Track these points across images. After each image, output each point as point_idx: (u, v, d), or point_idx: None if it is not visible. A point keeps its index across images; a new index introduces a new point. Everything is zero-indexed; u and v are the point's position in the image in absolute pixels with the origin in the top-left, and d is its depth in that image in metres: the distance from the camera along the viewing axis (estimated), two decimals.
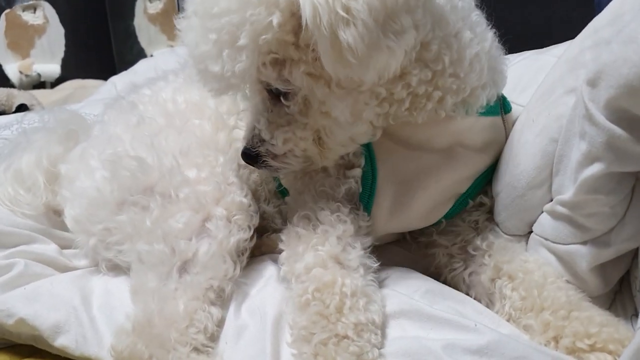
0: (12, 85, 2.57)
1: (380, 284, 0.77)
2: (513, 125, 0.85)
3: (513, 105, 0.89)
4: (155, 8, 2.93)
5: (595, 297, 0.74)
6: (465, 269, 0.83)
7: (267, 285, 0.79)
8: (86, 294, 0.82)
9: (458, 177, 0.82)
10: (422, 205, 0.82)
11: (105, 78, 2.15)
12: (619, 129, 0.62)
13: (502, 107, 0.85)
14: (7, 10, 2.70)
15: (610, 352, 0.65)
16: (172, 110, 0.95)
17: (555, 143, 0.74)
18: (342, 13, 0.61)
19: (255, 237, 0.84)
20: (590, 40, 0.71)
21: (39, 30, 2.78)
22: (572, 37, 0.78)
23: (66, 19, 2.90)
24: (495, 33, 0.82)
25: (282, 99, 0.73)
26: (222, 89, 0.74)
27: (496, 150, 0.85)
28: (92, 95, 1.86)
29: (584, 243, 0.72)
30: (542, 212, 0.78)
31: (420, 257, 0.89)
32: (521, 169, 0.78)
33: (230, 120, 0.93)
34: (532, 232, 0.81)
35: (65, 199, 0.92)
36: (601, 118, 0.63)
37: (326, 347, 0.63)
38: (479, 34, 0.77)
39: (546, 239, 0.77)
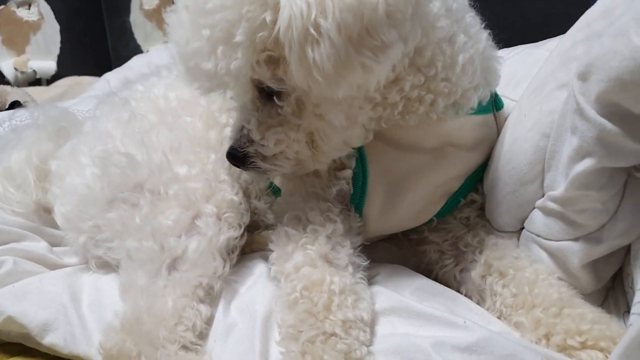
0: (7, 83, 2.56)
1: (371, 281, 0.76)
2: (505, 121, 0.85)
3: (506, 100, 0.89)
4: (151, 4, 2.91)
5: (588, 294, 0.73)
6: (456, 266, 0.83)
7: (257, 283, 0.79)
8: (75, 292, 0.82)
9: (449, 177, 0.81)
10: (414, 205, 0.81)
11: (101, 75, 2.14)
12: (609, 123, 0.61)
13: (493, 104, 0.84)
14: (2, 7, 2.69)
15: (601, 350, 0.64)
16: (164, 107, 0.95)
17: (547, 138, 0.73)
18: (311, 30, 0.59)
19: (245, 235, 0.84)
20: (582, 34, 0.71)
21: (34, 26, 2.76)
22: None
23: (61, 16, 2.88)
24: (490, 29, 0.80)
25: (275, 98, 0.71)
26: (213, 87, 0.72)
27: (488, 147, 0.84)
28: (86, 92, 1.86)
29: (576, 239, 0.71)
30: (534, 208, 0.77)
31: (412, 254, 0.89)
32: (513, 164, 0.78)
33: (222, 117, 0.92)
34: (523, 228, 0.80)
35: (55, 195, 0.92)
36: (592, 112, 0.63)
37: (314, 345, 0.62)
38: (473, 36, 0.76)
39: (538, 236, 0.76)
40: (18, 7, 2.73)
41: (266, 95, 0.72)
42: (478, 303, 0.77)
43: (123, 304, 0.76)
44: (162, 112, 0.93)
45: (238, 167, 0.78)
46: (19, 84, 2.60)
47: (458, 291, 0.79)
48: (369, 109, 0.72)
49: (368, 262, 0.76)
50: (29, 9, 2.77)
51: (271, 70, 0.67)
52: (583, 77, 0.64)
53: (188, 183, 0.82)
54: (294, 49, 0.61)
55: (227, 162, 0.84)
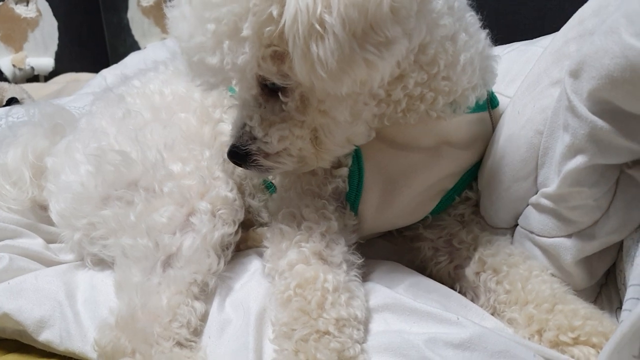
0: (5, 79, 2.56)
1: (365, 278, 0.76)
2: (500, 118, 0.85)
3: (500, 97, 0.89)
4: (148, 1, 2.90)
5: (581, 290, 0.74)
6: (450, 263, 0.83)
7: (252, 280, 0.79)
8: (71, 289, 0.82)
9: (444, 175, 0.81)
10: (409, 203, 0.81)
11: (99, 71, 2.14)
12: (601, 120, 0.62)
13: (489, 101, 0.84)
14: (0, 3, 2.68)
15: (593, 345, 0.65)
16: (159, 103, 0.94)
17: (541, 135, 0.74)
18: (316, 26, 0.59)
19: (240, 232, 0.84)
20: (575, 31, 0.71)
21: (32, 23, 2.76)
22: None
23: (59, 12, 2.87)
24: (486, 26, 0.80)
25: (280, 94, 0.69)
26: (217, 82, 0.71)
27: (483, 145, 0.84)
28: (82, 89, 1.85)
29: (569, 236, 0.72)
30: (528, 205, 0.77)
31: (406, 250, 0.89)
32: (507, 161, 0.78)
33: (216, 113, 0.91)
34: (517, 225, 0.80)
35: (50, 193, 0.92)
36: (584, 110, 0.63)
37: (307, 344, 0.62)
38: (473, 35, 0.76)
39: (531, 232, 0.76)
40: (16, 3, 2.72)
41: (269, 92, 0.71)
42: (472, 299, 0.78)
43: (118, 301, 0.76)
44: (157, 109, 0.93)
45: (240, 165, 0.76)
46: (17, 80, 2.60)
47: (452, 288, 0.79)
48: (374, 106, 0.72)
49: (362, 259, 0.76)
50: (27, 5, 2.76)
51: (277, 66, 0.66)
52: (575, 74, 0.64)
53: (182, 180, 0.82)
54: (297, 44, 0.60)
55: (222, 158, 0.84)
